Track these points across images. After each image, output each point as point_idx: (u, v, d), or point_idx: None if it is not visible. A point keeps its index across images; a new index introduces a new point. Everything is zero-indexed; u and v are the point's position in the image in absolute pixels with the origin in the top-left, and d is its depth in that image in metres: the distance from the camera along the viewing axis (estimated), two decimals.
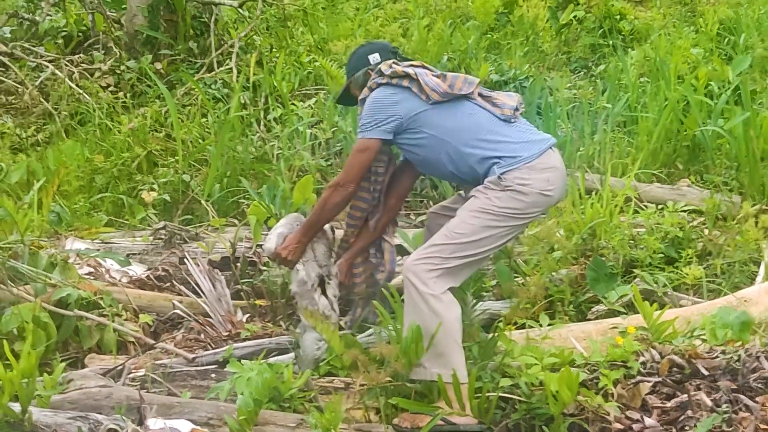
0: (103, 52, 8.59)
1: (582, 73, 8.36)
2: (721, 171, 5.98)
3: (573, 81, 8.01)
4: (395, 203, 4.15)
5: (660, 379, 3.48)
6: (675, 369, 3.52)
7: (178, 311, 4.60)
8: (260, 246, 4.66)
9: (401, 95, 3.71)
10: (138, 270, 5.03)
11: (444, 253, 3.50)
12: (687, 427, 3.23)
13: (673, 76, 6.70)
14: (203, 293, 4.62)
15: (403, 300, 3.54)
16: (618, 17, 8.95)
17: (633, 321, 3.91)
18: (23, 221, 4.66)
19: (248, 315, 4.62)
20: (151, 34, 8.40)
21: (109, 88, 7.99)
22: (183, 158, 6.57)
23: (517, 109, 3.74)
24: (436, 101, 3.67)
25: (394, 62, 3.82)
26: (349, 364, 3.56)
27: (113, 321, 4.25)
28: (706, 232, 5.05)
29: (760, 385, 3.39)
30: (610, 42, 8.51)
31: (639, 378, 3.47)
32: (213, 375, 3.82)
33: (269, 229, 4.54)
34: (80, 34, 9.06)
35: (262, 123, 7.27)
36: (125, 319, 4.41)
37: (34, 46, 8.81)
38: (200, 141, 6.93)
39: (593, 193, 5.16)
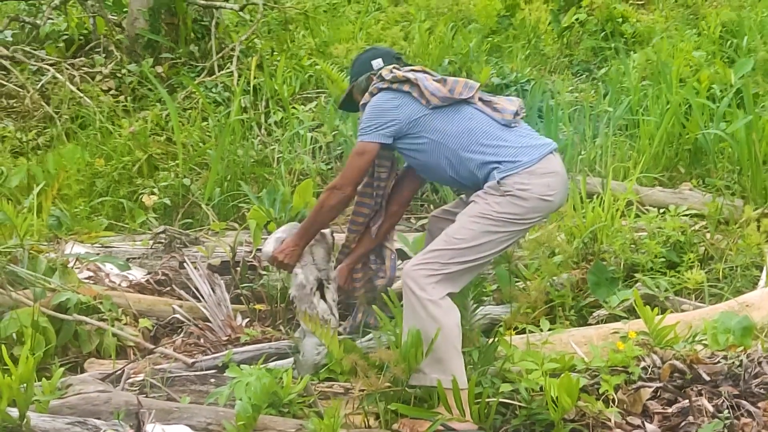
0: (104, 55, 8.59)
1: (584, 76, 8.34)
2: (723, 174, 5.97)
3: (575, 84, 8.00)
4: (397, 210, 4.14)
5: (661, 384, 3.47)
6: (676, 374, 3.51)
7: (177, 316, 4.58)
8: (260, 250, 4.66)
9: (401, 100, 3.71)
10: (138, 274, 5.02)
11: (443, 258, 3.49)
12: None
13: (675, 79, 6.69)
14: (203, 298, 4.60)
15: (402, 305, 3.53)
16: (620, 20, 8.93)
17: (634, 326, 3.89)
18: (23, 225, 4.66)
19: (248, 319, 4.60)
20: (152, 38, 8.39)
21: (110, 92, 7.98)
22: (183, 162, 6.57)
23: (517, 114, 3.73)
24: (436, 106, 3.67)
25: (394, 67, 3.81)
26: (349, 369, 3.56)
27: (113, 325, 4.23)
28: (708, 236, 5.03)
29: (762, 391, 3.38)
30: (612, 45, 8.50)
31: (640, 383, 3.46)
32: (212, 380, 3.81)
33: (269, 233, 4.53)
34: (81, 37, 9.06)
35: (262, 126, 7.26)
36: (125, 324, 4.40)
37: (35, 50, 8.81)
38: (201, 145, 6.92)
39: (594, 196, 5.14)
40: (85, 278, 4.76)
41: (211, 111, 7.27)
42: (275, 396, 3.40)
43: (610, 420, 3.30)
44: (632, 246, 4.79)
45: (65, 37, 9.05)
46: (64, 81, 7.92)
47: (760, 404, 3.30)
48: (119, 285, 4.85)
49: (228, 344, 4.28)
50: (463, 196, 3.96)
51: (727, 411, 3.26)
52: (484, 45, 8.67)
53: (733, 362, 3.52)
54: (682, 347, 3.64)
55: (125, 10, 8.92)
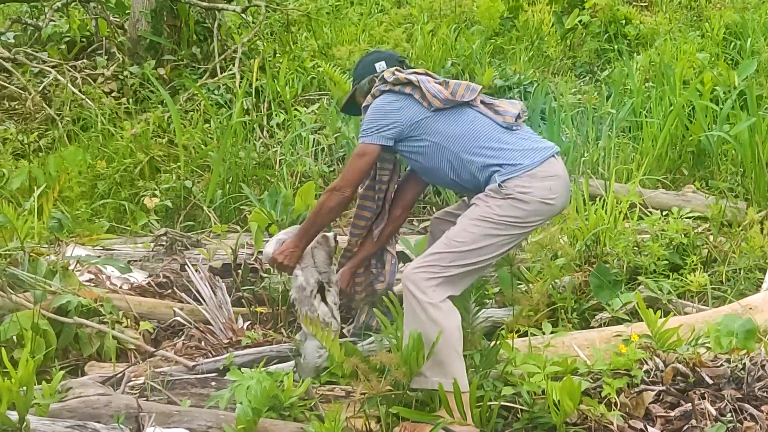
0: (106, 57, 8.60)
1: (587, 78, 8.33)
2: (727, 177, 5.96)
3: (578, 86, 7.99)
4: (401, 214, 4.13)
5: (664, 387, 3.45)
6: (679, 377, 3.49)
7: (178, 318, 4.57)
8: (261, 253, 4.65)
9: (403, 102, 3.70)
10: (139, 277, 5.02)
11: (443, 261, 3.47)
12: None
13: (679, 81, 6.67)
14: (204, 300, 4.60)
15: (403, 308, 3.52)
16: (623, 22, 8.92)
17: (637, 329, 3.87)
18: (23, 228, 4.65)
19: (249, 322, 4.59)
20: (155, 40, 8.40)
21: (112, 94, 7.99)
22: (185, 164, 6.57)
23: (519, 117, 3.72)
24: (438, 108, 3.66)
25: (397, 69, 3.82)
26: (350, 373, 3.54)
27: (113, 328, 4.23)
28: (711, 238, 5.02)
29: (765, 394, 3.37)
30: (616, 47, 8.48)
31: (642, 387, 3.45)
32: (213, 383, 3.80)
33: (271, 235, 4.52)
34: (83, 39, 9.08)
35: (264, 129, 7.26)
36: (125, 327, 4.39)
37: (37, 52, 8.83)
38: (203, 147, 6.92)
39: (597, 199, 5.12)
40: (86, 281, 4.76)
41: (213, 113, 7.27)
42: (276, 399, 3.40)
43: (612, 424, 3.28)
44: (635, 248, 4.77)
45: (67, 39, 9.06)
46: (66, 83, 7.92)
47: (763, 408, 3.29)
48: (120, 288, 4.85)
49: (229, 347, 4.28)
50: (465, 198, 3.95)
51: (730, 414, 3.25)
52: (487, 47, 8.66)
53: (736, 365, 3.51)
54: (685, 350, 3.62)
55: (127, 12, 8.93)
